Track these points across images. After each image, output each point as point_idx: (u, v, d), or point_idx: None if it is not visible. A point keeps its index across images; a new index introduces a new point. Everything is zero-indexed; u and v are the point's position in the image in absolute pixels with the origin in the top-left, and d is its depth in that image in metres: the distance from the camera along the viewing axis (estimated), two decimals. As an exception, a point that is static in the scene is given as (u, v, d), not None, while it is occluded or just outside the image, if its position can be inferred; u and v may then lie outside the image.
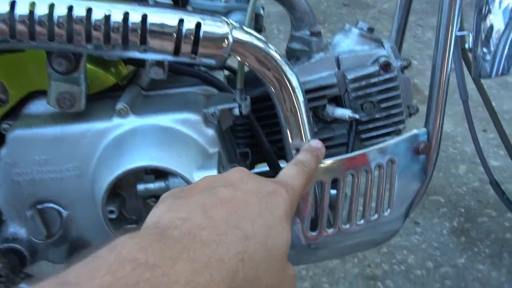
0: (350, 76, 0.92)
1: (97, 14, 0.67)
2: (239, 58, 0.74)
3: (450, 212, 1.91)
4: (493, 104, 1.16)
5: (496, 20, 0.90)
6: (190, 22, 0.69)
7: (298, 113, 0.79)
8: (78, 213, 0.82)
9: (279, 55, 0.75)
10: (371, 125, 0.96)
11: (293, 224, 0.82)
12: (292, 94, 0.77)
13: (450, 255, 1.73)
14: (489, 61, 0.93)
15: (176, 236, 0.40)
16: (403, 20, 1.14)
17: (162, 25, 0.68)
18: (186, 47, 0.70)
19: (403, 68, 0.96)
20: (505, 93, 2.55)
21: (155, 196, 0.79)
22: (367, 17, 3.45)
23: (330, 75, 0.93)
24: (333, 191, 0.86)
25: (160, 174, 0.77)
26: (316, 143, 0.69)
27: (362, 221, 0.87)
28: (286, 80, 0.76)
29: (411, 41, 3.08)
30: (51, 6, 0.66)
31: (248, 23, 0.81)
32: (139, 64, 0.87)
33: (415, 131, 0.89)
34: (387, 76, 0.93)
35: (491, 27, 0.92)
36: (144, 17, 0.68)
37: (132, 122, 0.79)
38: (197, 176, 0.75)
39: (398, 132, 0.98)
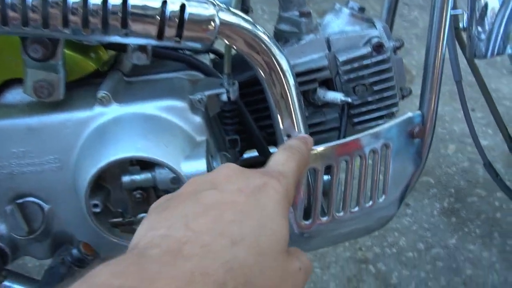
0: (342, 58, 0.89)
1: (74, -3, 0.62)
2: (226, 41, 0.70)
3: (440, 193, 1.90)
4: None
5: (492, -3, 0.87)
6: (174, 4, 0.65)
7: (289, 97, 0.75)
8: (61, 207, 0.78)
9: (268, 37, 0.72)
10: (363, 109, 0.93)
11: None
12: (283, 78, 0.73)
13: (441, 236, 1.72)
14: (484, 40, 0.90)
15: (155, 255, 0.37)
16: (394, -1, 1.11)
17: (144, 7, 0.64)
18: (170, 31, 0.66)
19: (396, 49, 0.93)
20: (493, 72, 2.54)
21: (142, 188, 0.75)
22: (352, -4, 3.39)
23: (321, 58, 0.90)
24: (326, 177, 0.83)
25: (146, 164, 0.74)
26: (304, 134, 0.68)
27: (356, 208, 0.85)
28: (276, 64, 0.72)
29: (397, 20, 3.01)
30: (24, -11, 0.61)
31: (235, 4, 0.77)
32: (121, 48, 0.83)
33: (409, 114, 0.86)
34: (380, 57, 0.89)
35: (486, 5, 0.89)
36: (125, -1, 0.63)
37: (114, 110, 0.75)
38: (184, 166, 0.71)
39: (391, 115, 0.96)
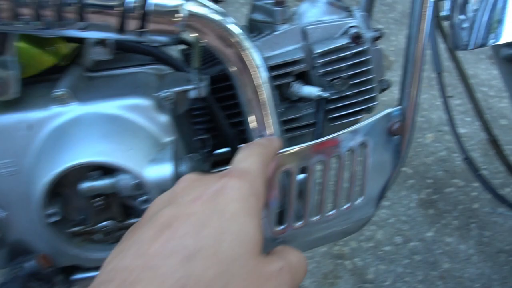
0: (318, 49, 0.84)
1: (24, -13, 0.56)
2: (194, 34, 0.65)
3: (418, 184, 1.88)
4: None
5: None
6: (136, -7, 0.59)
7: (261, 94, 0.70)
8: (16, 215, 0.72)
9: (240, 29, 0.66)
10: (340, 103, 0.88)
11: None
12: (255, 74, 0.68)
13: (418, 229, 1.70)
14: (466, 29, 0.86)
15: None
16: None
17: (102, -3, 0.58)
18: (132, 23, 0.60)
19: (375, 39, 0.89)
20: (471, 57, 2.52)
21: (102, 195, 0.70)
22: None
23: (296, 49, 0.85)
24: (300, 176, 0.79)
25: (109, 169, 0.68)
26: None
27: (333, 212, 0.80)
28: (248, 59, 0.67)
29: (375, 4, 3.00)
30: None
31: (204, -7, 0.71)
32: (82, 41, 0.77)
33: (388, 110, 0.82)
34: (358, 49, 0.85)
35: (469, -9, 0.85)
36: (81, -11, 0.57)
37: (73, 110, 0.69)
38: (148, 171, 0.66)
39: (369, 110, 0.91)
